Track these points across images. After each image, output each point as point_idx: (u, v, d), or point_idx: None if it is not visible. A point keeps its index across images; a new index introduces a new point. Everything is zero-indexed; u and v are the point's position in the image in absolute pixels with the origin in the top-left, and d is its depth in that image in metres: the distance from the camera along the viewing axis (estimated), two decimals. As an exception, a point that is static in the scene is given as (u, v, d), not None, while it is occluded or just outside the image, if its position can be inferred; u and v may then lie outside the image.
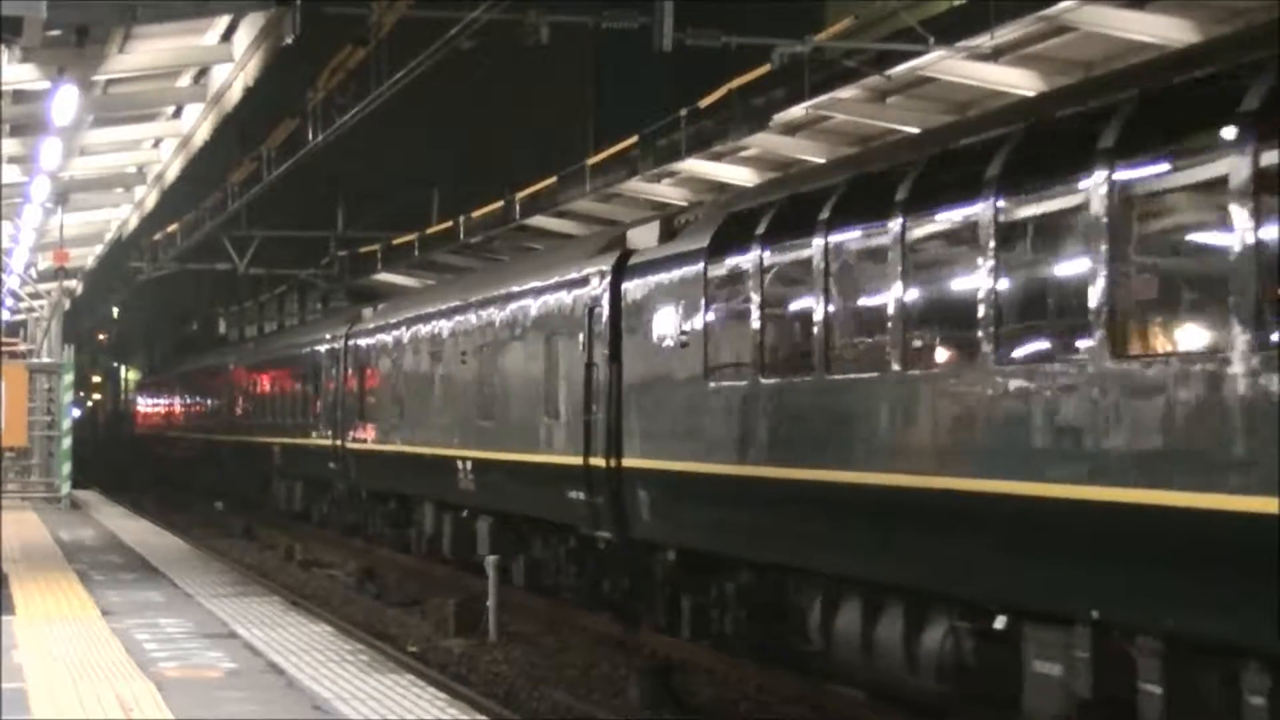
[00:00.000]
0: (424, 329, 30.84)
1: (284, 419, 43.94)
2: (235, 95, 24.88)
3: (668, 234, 21.00)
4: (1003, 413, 13.01)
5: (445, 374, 29.12)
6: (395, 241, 49.16)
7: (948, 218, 14.22)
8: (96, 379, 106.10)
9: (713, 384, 18.21)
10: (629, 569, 21.45)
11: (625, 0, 23.97)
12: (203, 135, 28.45)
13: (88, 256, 46.92)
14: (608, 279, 21.39)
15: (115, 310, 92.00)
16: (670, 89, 41.65)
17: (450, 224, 44.39)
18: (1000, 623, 13.30)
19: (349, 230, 52.36)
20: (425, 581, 29.70)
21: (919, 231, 14.53)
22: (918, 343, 14.54)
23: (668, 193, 31.80)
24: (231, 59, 23.26)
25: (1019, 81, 21.93)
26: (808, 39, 23.59)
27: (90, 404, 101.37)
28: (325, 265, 54.27)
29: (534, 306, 24.61)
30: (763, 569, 17.52)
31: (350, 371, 36.67)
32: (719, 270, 18.29)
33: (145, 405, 78.80)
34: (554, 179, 37.62)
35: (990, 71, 22.23)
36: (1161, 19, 19.71)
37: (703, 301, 18.56)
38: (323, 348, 39.84)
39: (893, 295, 14.68)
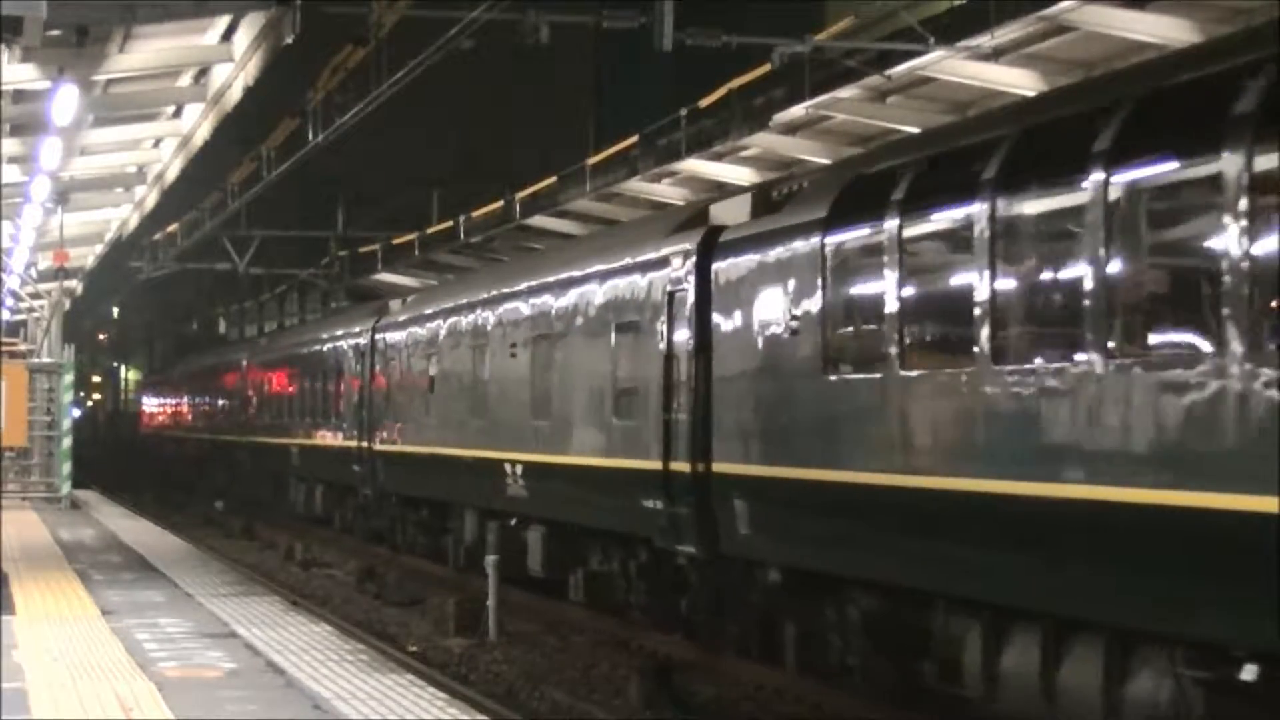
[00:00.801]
0: (465, 320, 28.17)
1: (302, 419, 41.70)
2: (235, 95, 24.88)
3: (764, 206, 18.62)
4: None
5: (491, 369, 26.51)
6: (395, 241, 49.16)
7: (1173, 169, 11.47)
8: (96, 379, 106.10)
9: (833, 377, 15.74)
10: (715, 587, 19.01)
11: (625, 0, 23.98)
12: (203, 135, 28.45)
13: (88, 256, 46.91)
14: (692, 259, 18.96)
15: (115, 310, 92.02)
16: (670, 89, 41.68)
17: (450, 224, 44.37)
18: (1250, 673, 10.58)
19: (349, 230, 52.36)
20: (425, 581, 29.68)
21: (1130, 186, 11.74)
22: (1134, 325, 11.78)
23: (668, 193, 31.81)
24: (231, 59, 23.27)
25: (1019, 81, 21.94)
26: (808, 39, 23.59)
27: (91, 404, 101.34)
28: (325, 265, 54.27)
29: (599, 293, 22.01)
30: (896, 593, 15.03)
31: (378, 368, 34.12)
32: (841, 244, 15.68)
33: (151, 405, 76.62)
34: (554, 179, 37.61)
35: (990, 71, 22.25)
36: (1161, 19, 19.72)
37: (820, 281, 15.90)
38: (346, 343, 37.38)
39: (1093, 266, 11.91)
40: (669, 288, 19.54)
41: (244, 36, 22.53)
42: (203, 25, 22.39)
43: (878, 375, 14.90)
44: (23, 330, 45.79)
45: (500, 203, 40.74)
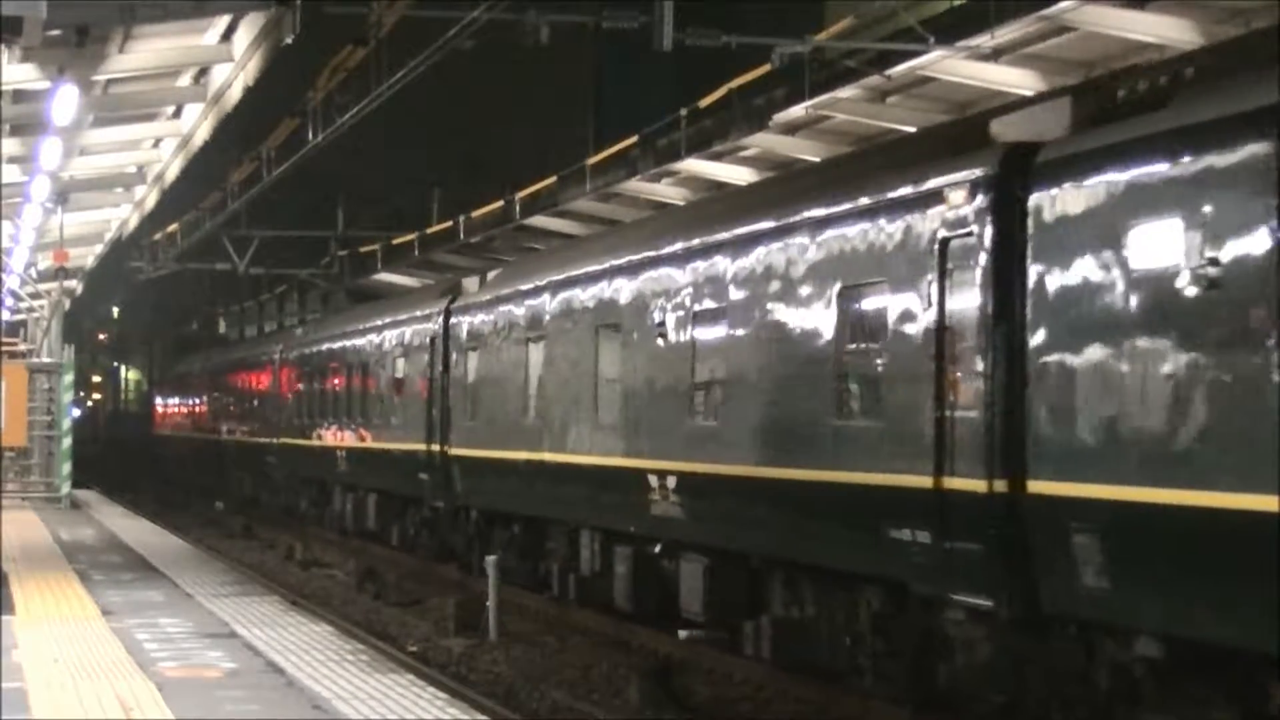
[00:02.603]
0: (584, 294, 22.77)
1: (351, 418, 36.49)
2: (235, 95, 24.89)
3: (1102, 112, 13.22)
4: None
5: (626, 356, 21.14)
6: (395, 241, 49.16)
7: None
8: (96, 379, 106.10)
9: None
10: (1025, 659, 13.78)
11: (625, 0, 23.98)
12: (203, 135, 28.45)
13: (88, 256, 46.91)
14: (987, 195, 13.84)
15: (115, 310, 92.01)
16: (670, 89, 41.68)
17: (450, 224, 44.37)
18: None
19: (349, 230, 52.36)
20: (425, 581, 29.68)
21: None
22: None
23: (668, 192, 31.82)
24: (231, 59, 23.27)
25: (1019, 81, 21.94)
26: (808, 39, 23.60)
27: (92, 403, 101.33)
28: (325, 265, 54.27)
29: (811, 248, 16.62)
30: None
31: (455, 357, 28.74)
32: None
33: (168, 404, 70.32)
34: (554, 179, 37.60)
35: (990, 71, 22.25)
36: (1161, 19, 19.73)
37: (1273, 204, 10.77)
38: (409, 329, 32.12)
39: None
40: (942, 233, 14.42)
41: (244, 36, 22.53)
42: (202, 25, 22.38)
43: None
44: (23, 330, 45.79)
45: (500, 203, 40.73)
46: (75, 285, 50.40)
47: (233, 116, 26.96)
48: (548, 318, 24.06)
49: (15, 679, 13.34)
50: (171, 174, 32.81)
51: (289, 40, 20.65)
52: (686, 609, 19.16)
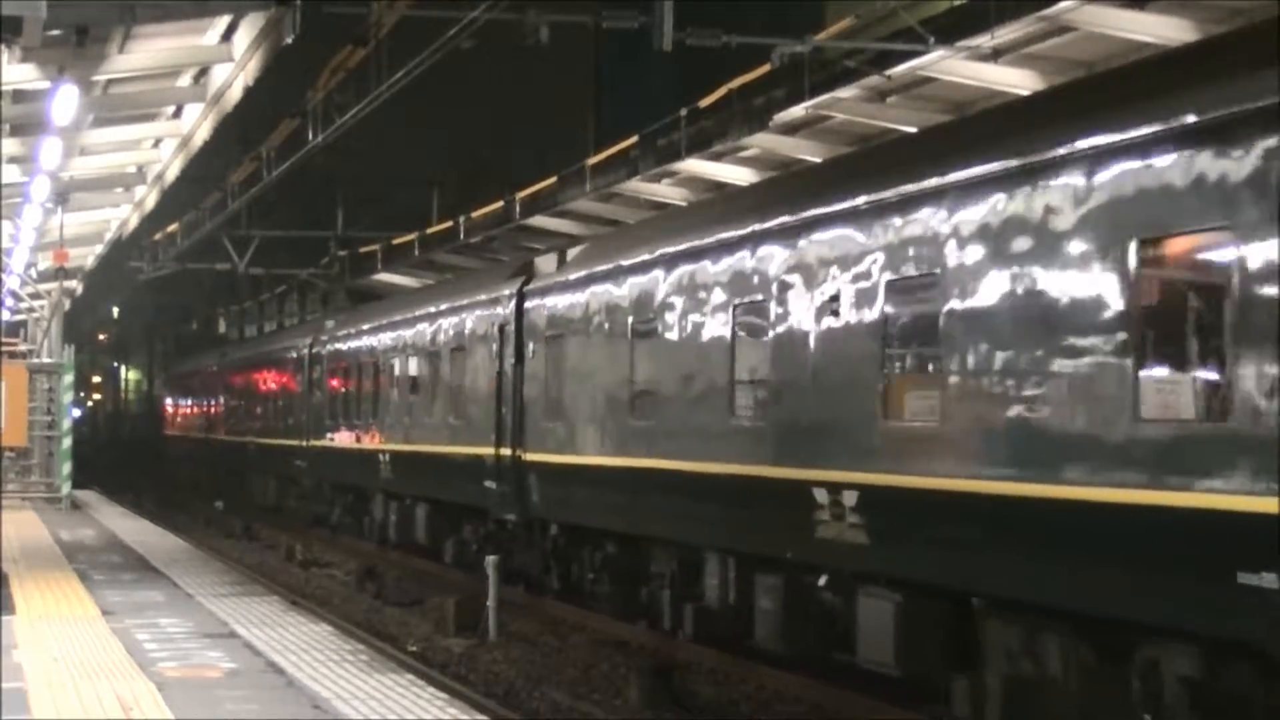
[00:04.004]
0: (712, 268, 18.74)
1: (397, 417, 32.65)
2: (235, 95, 24.91)
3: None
4: None
5: (772, 341, 17.20)
6: (395, 241, 49.17)
7: None
8: (96, 379, 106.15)
9: None
10: None
11: (625, 0, 23.97)
12: (203, 135, 28.48)
13: (88, 256, 46.94)
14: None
15: (115, 310, 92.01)
16: (670, 89, 41.68)
17: (450, 224, 44.38)
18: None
19: (349, 230, 52.38)
20: (425, 581, 29.67)
21: None
22: None
23: (668, 193, 31.82)
24: (231, 59, 23.29)
25: (1019, 81, 21.95)
26: (808, 39, 23.60)
27: (92, 404, 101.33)
28: (325, 265, 54.28)
29: (1086, 188, 12.64)
30: None
31: (531, 347, 24.89)
32: None
33: (179, 403, 65.69)
34: (554, 179, 37.61)
35: (990, 71, 22.25)
36: (1161, 19, 19.73)
37: None
38: (467, 317, 28.13)
39: None
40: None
41: (244, 36, 22.55)
42: (202, 25, 22.40)
43: None
44: (23, 330, 45.81)
45: (500, 203, 40.74)
46: (75, 285, 50.41)
47: (233, 116, 26.99)
48: (661, 297, 20.06)
49: (15, 679, 13.34)
50: (171, 174, 32.84)
51: (289, 40, 20.67)
52: (866, 655, 15.28)
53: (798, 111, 25.68)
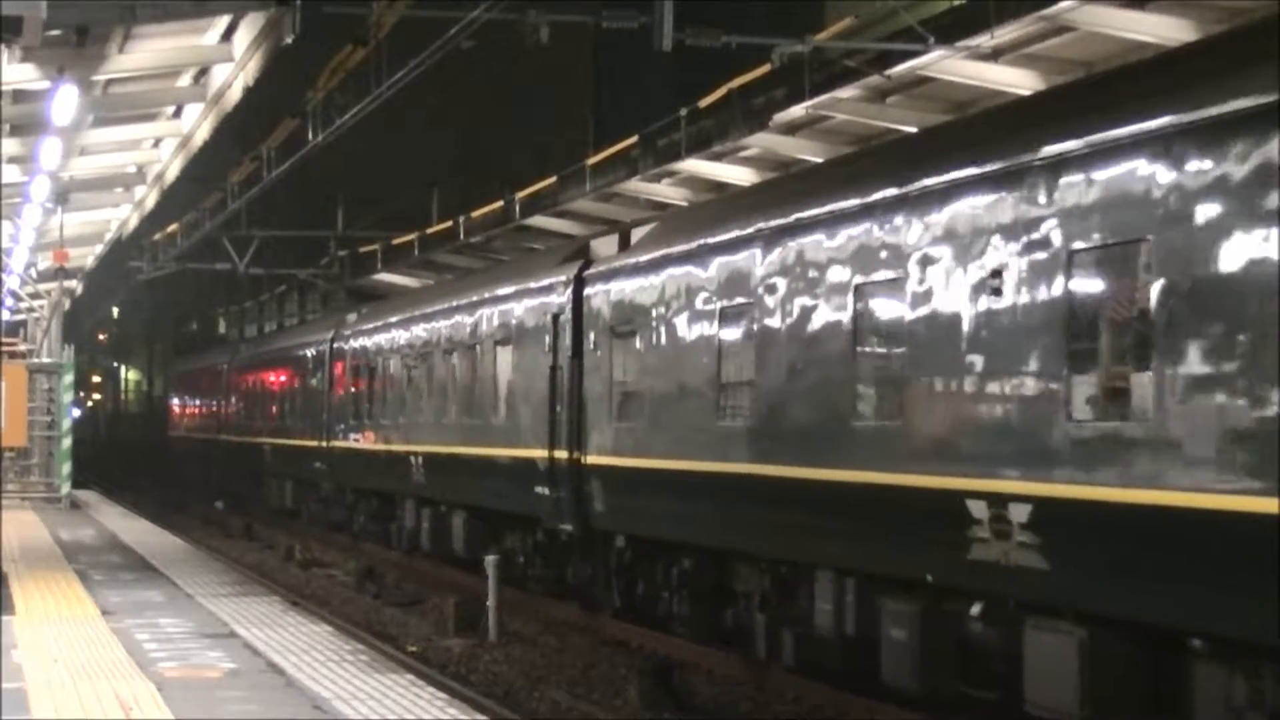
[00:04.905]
0: (827, 243, 16.14)
1: (432, 417, 29.91)
2: (235, 95, 24.91)
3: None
4: None
5: (906, 327, 14.72)
6: (395, 241, 49.18)
7: None
8: (96, 379, 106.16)
9: None
10: None
11: (625, 0, 23.97)
12: (203, 135, 28.49)
13: (88, 256, 46.94)
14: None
15: (115, 310, 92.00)
16: (670, 89, 41.69)
17: (450, 224, 44.38)
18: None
19: (349, 230, 52.39)
20: (425, 581, 29.66)
21: None
22: None
23: (668, 192, 31.81)
24: (231, 59, 23.30)
25: (1019, 81, 21.94)
26: (808, 39, 23.58)
27: (92, 404, 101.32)
28: (325, 265, 54.29)
29: None
30: None
31: (592, 339, 22.36)
32: None
33: (187, 403, 61.77)
34: (554, 179, 37.60)
35: (990, 71, 22.24)
36: (1161, 19, 19.71)
37: None
38: (515, 307, 25.62)
39: None
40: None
41: (244, 36, 22.55)
42: (202, 25, 22.40)
43: None
44: (23, 330, 45.83)
45: (500, 203, 40.74)
46: (75, 285, 50.41)
47: (233, 116, 27.00)
48: (758, 278, 17.48)
49: (15, 679, 13.34)
50: (171, 174, 32.85)
51: (289, 40, 20.67)
52: (1037, 698, 12.90)
53: (798, 111, 25.66)
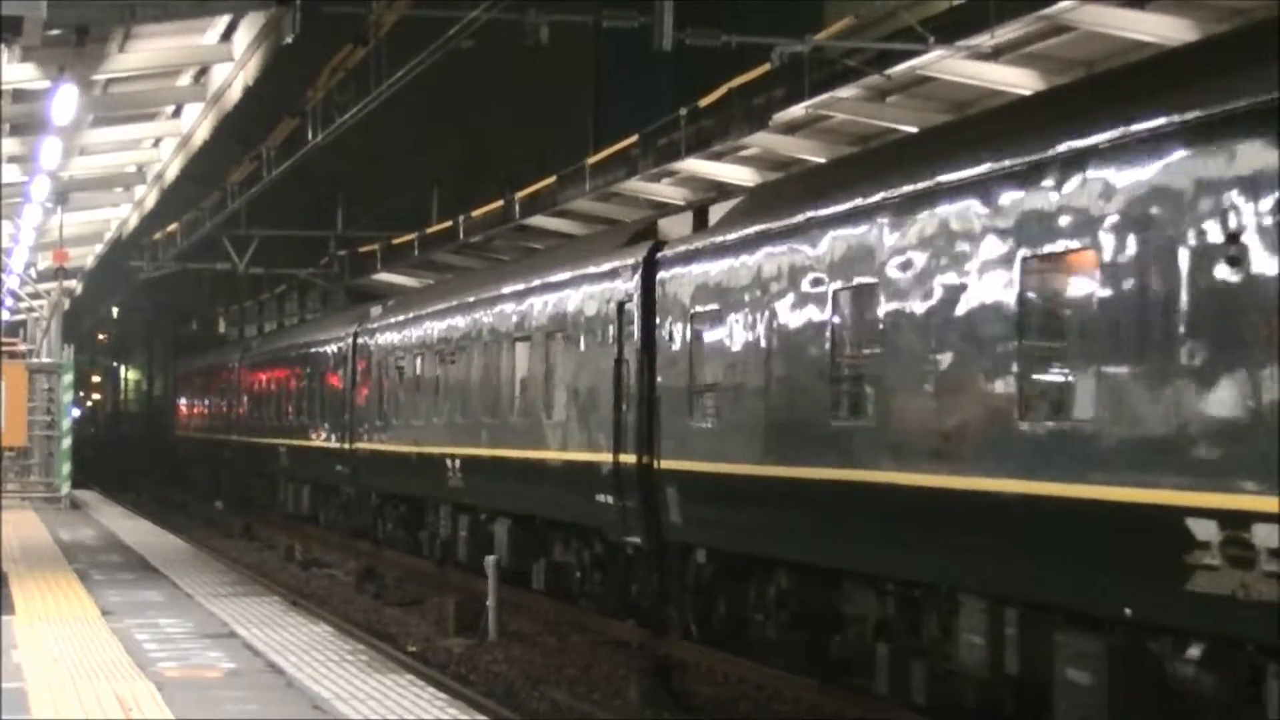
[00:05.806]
0: (980, 209, 13.61)
1: (473, 417, 27.39)
2: (235, 95, 24.91)
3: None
4: None
5: (1099, 308, 12.06)
6: (395, 241, 49.19)
7: None
8: (96, 379, 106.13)
9: None
10: None
11: (625, 0, 23.98)
12: (203, 135, 28.49)
13: (88, 256, 46.94)
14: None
15: (115, 310, 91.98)
16: (670, 89, 41.69)
17: (450, 224, 44.40)
18: None
19: (349, 230, 52.40)
20: (425, 581, 29.66)
21: None
22: None
23: (668, 192, 31.81)
24: (231, 59, 23.29)
25: (1019, 81, 21.94)
26: (808, 39, 23.59)
27: (92, 404, 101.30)
28: (325, 265, 54.29)
29: None
30: None
31: (667, 329, 20.04)
32: None
33: (194, 402, 59.93)
34: (554, 179, 37.62)
35: (990, 71, 22.25)
36: (1161, 18, 19.72)
37: None
38: (571, 295, 23.35)
39: None
40: None
41: (244, 36, 22.55)
42: (202, 25, 22.40)
43: None
44: (23, 330, 45.83)
45: (500, 203, 40.75)
46: (75, 285, 50.41)
47: (233, 116, 26.99)
48: (885, 255, 15.00)
49: (15, 679, 13.33)
50: (171, 174, 32.85)
51: (289, 40, 20.67)
52: None
53: (798, 111, 25.67)
